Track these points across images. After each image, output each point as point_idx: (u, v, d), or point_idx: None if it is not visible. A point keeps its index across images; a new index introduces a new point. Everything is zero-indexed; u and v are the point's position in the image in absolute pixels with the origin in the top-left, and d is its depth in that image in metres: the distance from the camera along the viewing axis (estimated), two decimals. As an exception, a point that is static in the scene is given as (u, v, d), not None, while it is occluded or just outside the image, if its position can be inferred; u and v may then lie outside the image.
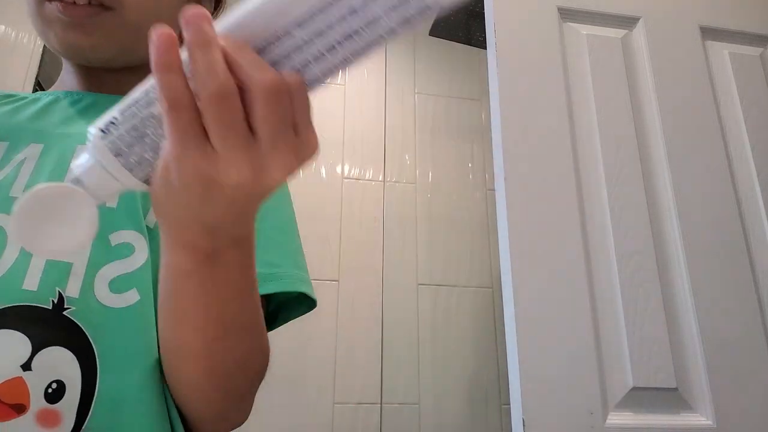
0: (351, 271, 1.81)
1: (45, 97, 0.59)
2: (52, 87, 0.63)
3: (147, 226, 0.50)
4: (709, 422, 0.95)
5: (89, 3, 0.53)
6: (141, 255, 0.49)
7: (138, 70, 0.56)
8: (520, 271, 0.98)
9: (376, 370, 1.72)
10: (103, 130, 0.31)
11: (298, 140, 0.30)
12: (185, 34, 0.29)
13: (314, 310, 0.56)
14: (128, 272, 0.48)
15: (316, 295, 0.55)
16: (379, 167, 1.97)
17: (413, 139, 2.04)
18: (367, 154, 1.99)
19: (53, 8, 0.53)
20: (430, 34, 2.07)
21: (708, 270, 1.04)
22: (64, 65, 0.62)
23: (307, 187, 1.88)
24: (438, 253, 1.89)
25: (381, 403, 1.69)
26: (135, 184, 0.33)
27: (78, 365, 0.44)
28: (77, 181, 0.32)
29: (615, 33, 1.20)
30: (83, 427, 0.42)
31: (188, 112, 0.29)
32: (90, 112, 0.57)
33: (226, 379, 0.45)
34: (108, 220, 0.48)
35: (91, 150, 0.32)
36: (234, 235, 0.36)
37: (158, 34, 0.29)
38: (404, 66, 2.14)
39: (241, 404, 0.49)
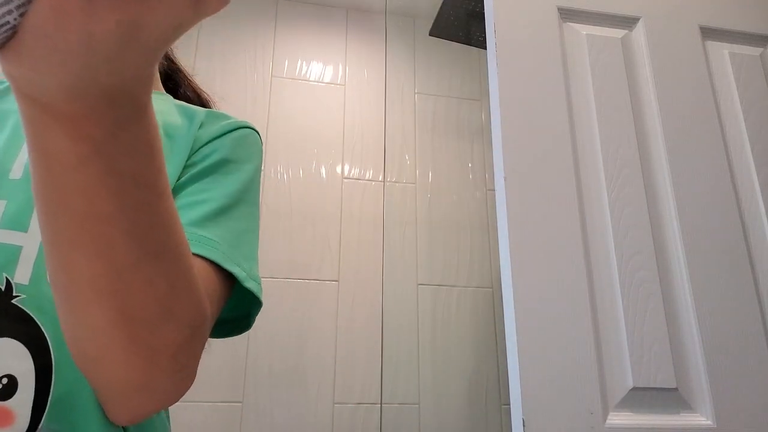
0: (351, 271, 1.81)
1: None
2: None
3: None
4: (709, 422, 0.95)
5: None
6: None
7: None
8: (520, 271, 0.98)
9: (376, 370, 1.72)
10: None
11: None
12: None
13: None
14: None
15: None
16: (379, 167, 1.97)
17: (413, 139, 2.04)
18: (367, 154, 1.99)
19: None
20: (430, 34, 2.06)
21: (708, 270, 1.04)
22: None
23: (307, 187, 1.88)
24: (438, 253, 1.89)
25: (381, 403, 1.69)
26: None
27: (30, 358, 0.40)
28: None
29: (615, 33, 1.20)
30: (39, 427, 0.38)
31: None
32: None
33: (146, 328, 0.34)
34: None
35: None
36: (137, 95, 0.28)
37: None
38: (404, 66, 2.14)
39: (173, 366, 0.36)
